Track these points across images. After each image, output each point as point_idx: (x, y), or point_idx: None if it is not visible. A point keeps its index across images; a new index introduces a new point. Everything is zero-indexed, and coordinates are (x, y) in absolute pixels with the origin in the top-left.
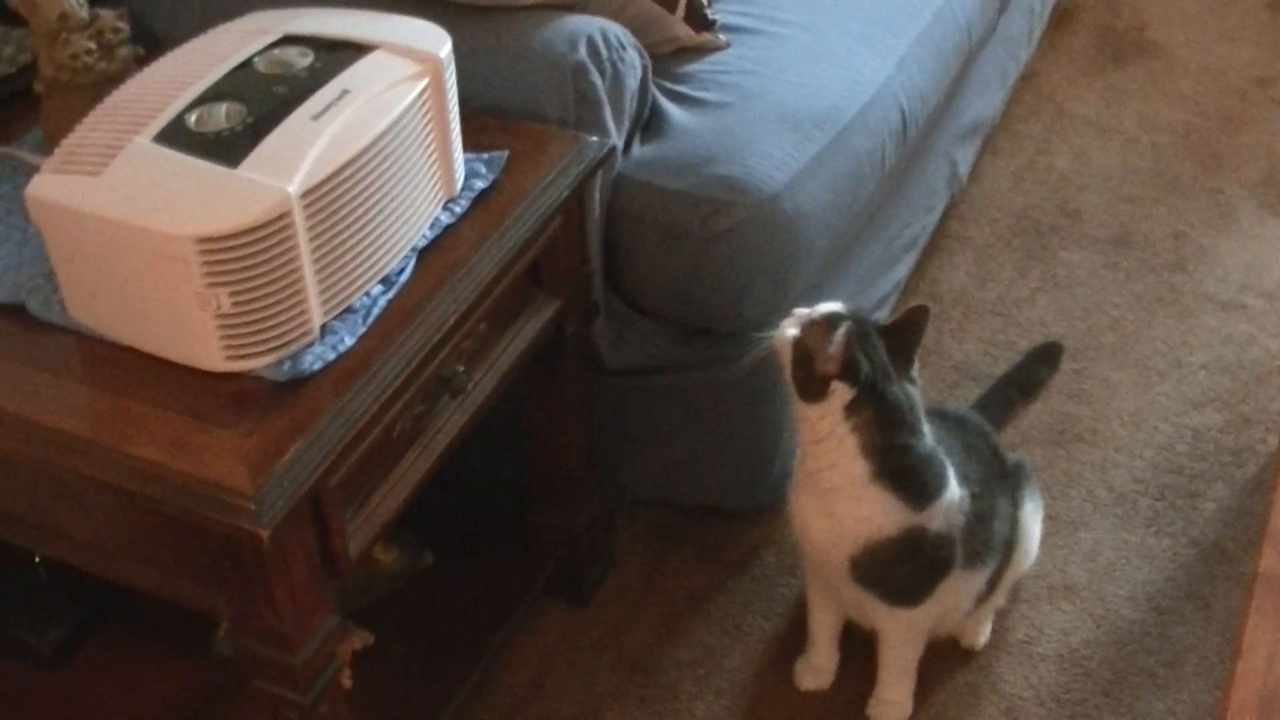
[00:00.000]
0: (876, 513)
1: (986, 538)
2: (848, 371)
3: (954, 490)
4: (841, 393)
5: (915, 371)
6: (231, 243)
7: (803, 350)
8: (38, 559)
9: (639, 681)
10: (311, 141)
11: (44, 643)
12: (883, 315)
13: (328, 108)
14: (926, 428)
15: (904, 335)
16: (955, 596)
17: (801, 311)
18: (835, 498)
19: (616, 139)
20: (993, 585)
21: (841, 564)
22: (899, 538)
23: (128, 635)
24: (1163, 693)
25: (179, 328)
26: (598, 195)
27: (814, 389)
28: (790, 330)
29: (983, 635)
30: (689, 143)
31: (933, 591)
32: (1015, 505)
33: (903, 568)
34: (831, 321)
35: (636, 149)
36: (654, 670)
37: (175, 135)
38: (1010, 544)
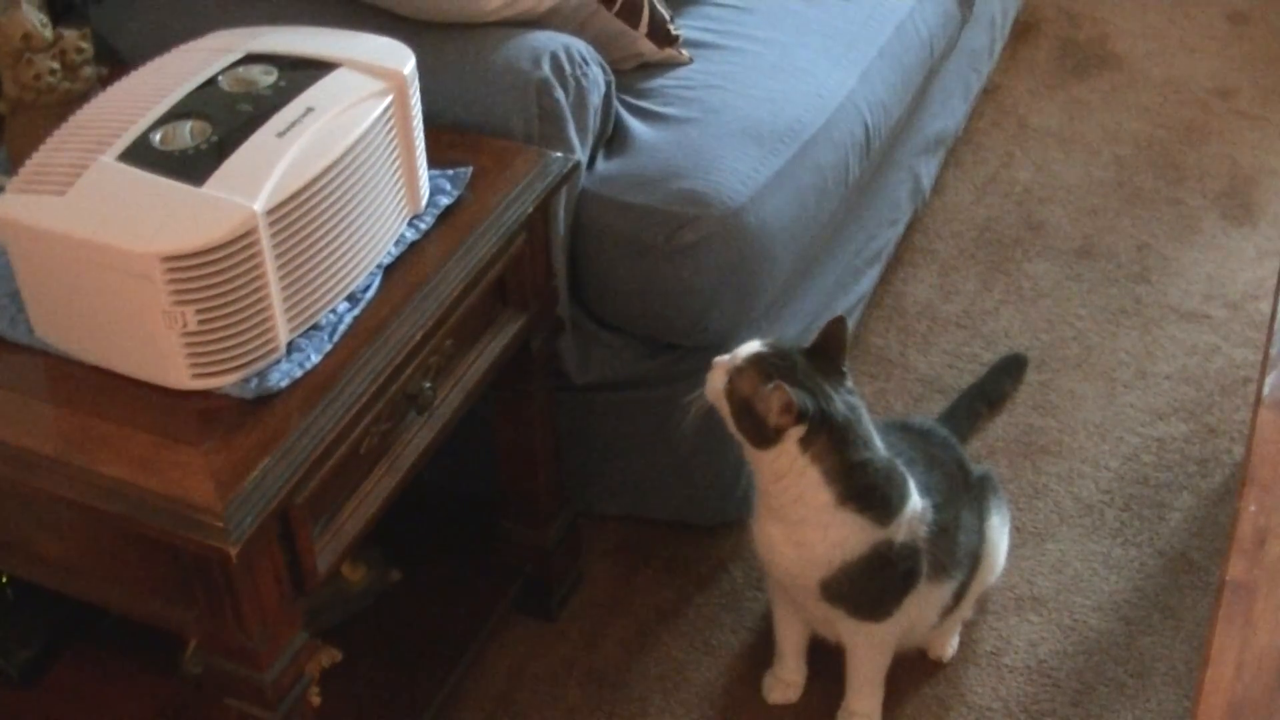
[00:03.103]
0: (846, 536)
1: (951, 549)
2: (796, 411)
3: (916, 500)
4: (794, 430)
5: (850, 382)
6: (197, 260)
7: (740, 401)
8: (4, 579)
9: (608, 696)
10: (276, 159)
11: (12, 663)
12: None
13: (292, 125)
14: (877, 438)
15: (828, 351)
16: (922, 609)
17: (722, 360)
18: (803, 528)
19: (580, 154)
20: (959, 597)
21: (812, 587)
22: (868, 554)
23: (97, 654)
24: (1131, 702)
25: (146, 346)
26: (562, 211)
27: (766, 437)
28: (718, 383)
29: (951, 647)
30: (653, 158)
31: (900, 603)
32: (981, 517)
33: (872, 583)
34: (758, 365)
35: (601, 164)
36: (623, 685)
37: (140, 154)
38: (976, 556)
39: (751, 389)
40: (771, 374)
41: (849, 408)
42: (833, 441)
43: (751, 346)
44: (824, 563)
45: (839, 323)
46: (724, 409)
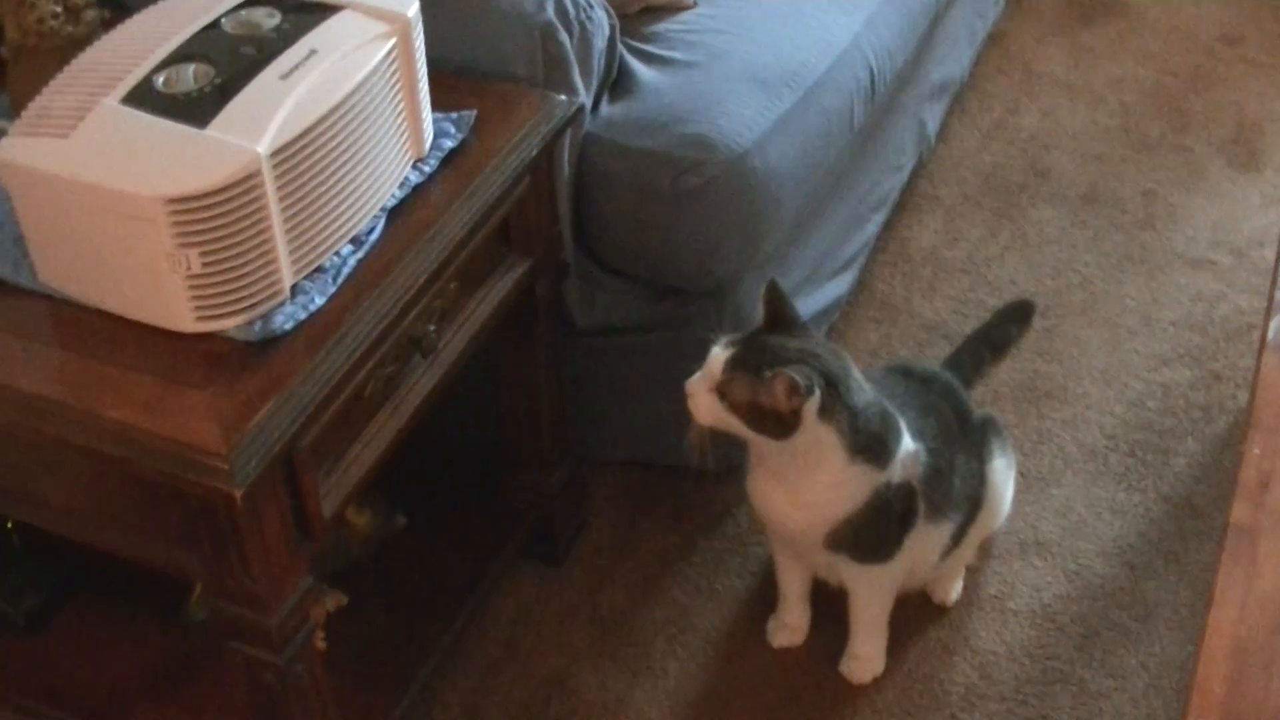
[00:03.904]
0: (853, 488)
1: (947, 490)
2: (804, 389)
3: (908, 441)
4: (809, 405)
5: (811, 329)
6: (201, 203)
7: (745, 407)
8: (10, 525)
9: (613, 641)
10: (280, 101)
11: (18, 610)
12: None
13: (296, 67)
14: (861, 377)
15: (780, 314)
16: (921, 549)
17: (695, 380)
18: (810, 489)
19: (585, 98)
20: (958, 539)
21: (817, 540)
22: (870, 500)
23: (103, 601)
24: (1134, 646)
25: (150, 289)
26: (566, 154)
27: (786, 425)
28: (707, 404)
29: (955, 591)
30: (658, 102)
31: (901, 544)
32: (982, 460)
33: (873, 527)
34: (740, 365)
35: (605, 108)
36: (628, 629)
37: (143, 97)
38: (976, 499)
39: (750, 391)
40: (760, 366)
41: (833, 354)
42: (840, 396)
43: (719, 354)
44: (829, 518)
45: (772, 285)
46: (731, 423)
